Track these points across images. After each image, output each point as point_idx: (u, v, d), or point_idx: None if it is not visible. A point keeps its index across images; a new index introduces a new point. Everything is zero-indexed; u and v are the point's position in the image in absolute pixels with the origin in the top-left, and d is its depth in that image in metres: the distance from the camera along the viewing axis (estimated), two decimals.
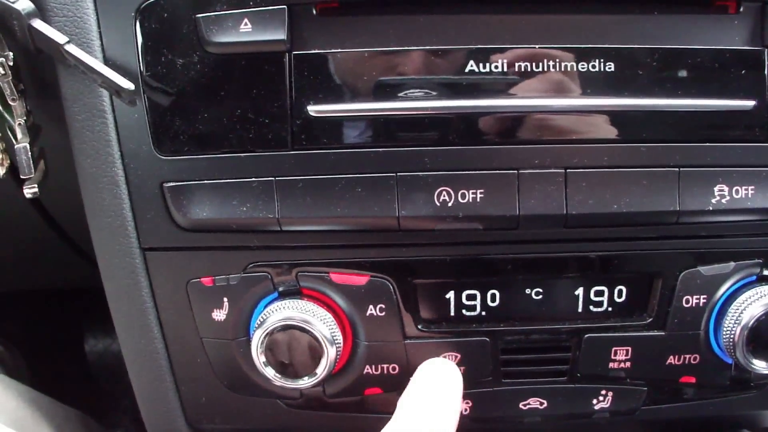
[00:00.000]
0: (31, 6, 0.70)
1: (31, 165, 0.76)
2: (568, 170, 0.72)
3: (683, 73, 0.72)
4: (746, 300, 0.76)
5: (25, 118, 0.75)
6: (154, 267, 0.77)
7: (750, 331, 0.75)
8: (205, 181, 0.73)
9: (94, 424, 1.20)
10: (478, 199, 0.71)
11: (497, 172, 0.72)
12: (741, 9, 0.72)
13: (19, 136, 0.76)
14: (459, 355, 0.78)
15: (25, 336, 1.42)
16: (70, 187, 0.78)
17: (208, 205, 0.73)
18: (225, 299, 0.77)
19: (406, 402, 0.66)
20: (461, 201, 0.71)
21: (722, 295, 0.78)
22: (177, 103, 0.71)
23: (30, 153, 0.76)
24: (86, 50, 0.71)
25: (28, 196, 0.77)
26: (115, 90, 0.70)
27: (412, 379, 0.71)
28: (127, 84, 0.69)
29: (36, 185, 0.77)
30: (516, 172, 0.72)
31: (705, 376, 0.81)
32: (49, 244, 1.10)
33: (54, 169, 0.80)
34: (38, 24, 0.70)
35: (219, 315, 0.77)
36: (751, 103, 0.72)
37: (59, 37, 0.70)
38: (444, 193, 0.72)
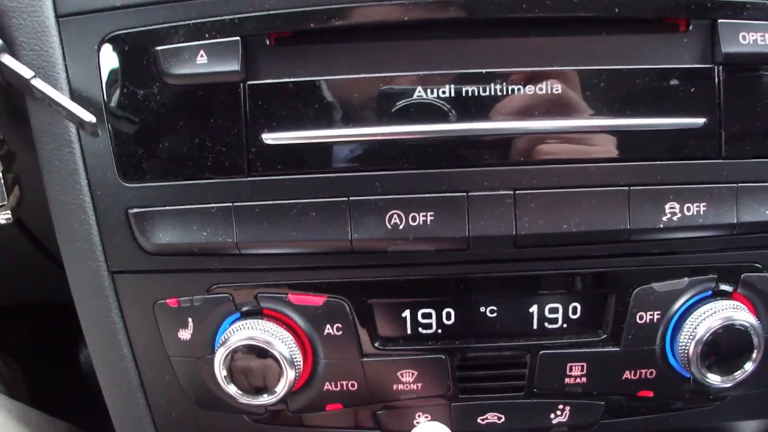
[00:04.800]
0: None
1: (4, 192, 0.79)
2: (517, 192, 0.73)
3: (633, 92, 0.72)
4: (701, 315, 0.76)
5: None
6: (123, 289, 0.80)
7: (704, 346, 0.76)
8: (168, 207, 0.75)
9: None
10: (429, 222, 0.73)
11: (447, 195, 0.73)
12: (691, 27, 0.72)
13: None
14: (416, 372, 0.80)
15: (23, 348, 1.46)
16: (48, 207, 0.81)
17: (171, 230, 0.75)
18: (190, 319, 0.79)
19: None
20: (412, 224, 0.73)
21: (677, 310, 0.78)
22: (139, 133, 0.74)
23: (3, 180, 0.79)
24: (52, 83, 0.73)
25: (1, 221, 0.80)
26: (78, 122, 0.73)
27: None
28: (88, 117, 0.72)
29: (9, 211, 0.80)
30: (465, 194, 0.73)
31: (663, 390, 0.82)
32: (39, 260, 1.14)
33: (34, 190, 0.83)
34: (6, 59, 0.73)
35: (185, 334, 0.80)
36: (701, 120, 0.72)
37: (26, 72, 0.72)
38: (395, 216, 0.73)
